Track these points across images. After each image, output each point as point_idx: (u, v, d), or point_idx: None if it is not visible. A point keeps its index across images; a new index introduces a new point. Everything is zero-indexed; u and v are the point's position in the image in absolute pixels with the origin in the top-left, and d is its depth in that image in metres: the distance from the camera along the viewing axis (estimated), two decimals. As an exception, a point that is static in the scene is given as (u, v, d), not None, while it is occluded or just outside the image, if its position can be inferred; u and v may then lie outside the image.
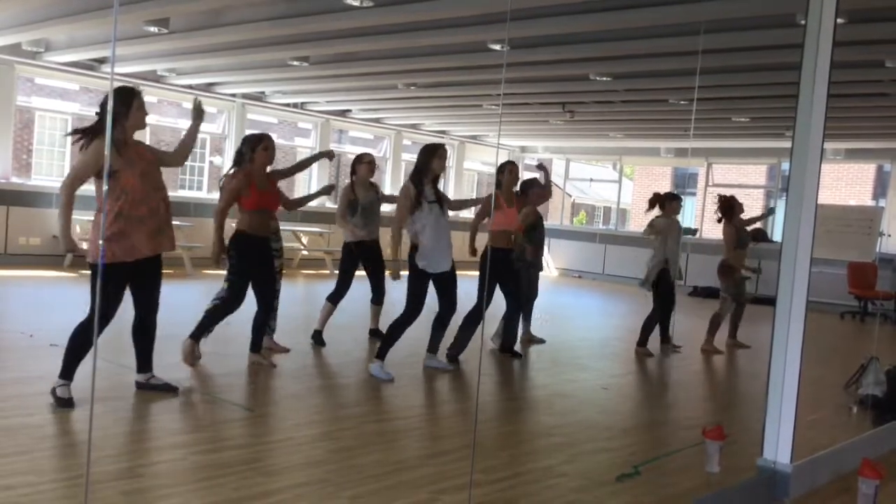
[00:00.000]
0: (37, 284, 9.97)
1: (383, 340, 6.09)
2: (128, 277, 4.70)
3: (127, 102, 4.65)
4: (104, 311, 4.53)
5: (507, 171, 6.98)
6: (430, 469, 4.04)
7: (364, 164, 7.16)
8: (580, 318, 9.02)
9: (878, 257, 10.88)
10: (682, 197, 8.53)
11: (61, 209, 4.68)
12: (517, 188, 7.41)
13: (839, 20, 4.11)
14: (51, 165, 18.44)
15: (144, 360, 5.04)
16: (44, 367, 5.51)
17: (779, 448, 4.13)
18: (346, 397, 5.58)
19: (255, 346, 6.12)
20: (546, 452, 4.59)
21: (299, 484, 3.67)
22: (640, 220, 26.94)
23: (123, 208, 4.65)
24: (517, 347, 7.47)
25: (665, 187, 26.27)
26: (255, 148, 5.78)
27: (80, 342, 4.62)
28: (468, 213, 13.25)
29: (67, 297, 9.15)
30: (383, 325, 7.39)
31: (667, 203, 8.27)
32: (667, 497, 3.91)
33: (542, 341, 8.12)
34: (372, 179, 7.29)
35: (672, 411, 6.02)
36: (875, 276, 12.56)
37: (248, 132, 14.56)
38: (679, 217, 8.35)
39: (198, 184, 20.20)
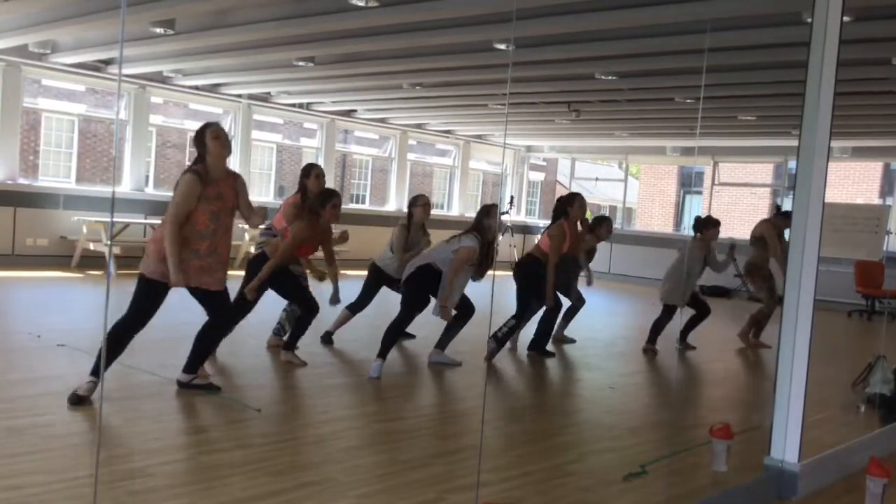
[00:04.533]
0: (44, 285, 10.00)
1: (384, 341, 6.16)
2: (164, 296, 4.85)
3: (201, 139, 4.85)
4: (139, 319, 4.78)
5: (576, 202, 7.29)
6: (438, 468, 4.05)
7: (420, 207, 7.24)
8: (586, 318, 8.99)
9: (885, 256, 10.84)
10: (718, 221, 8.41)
11: (169, 245, 4.75)
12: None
13: (846, 18, 4.09)
14: (58, 167, 18.50)
15: (195, 358, 5.14)
16: (52, 368, 5.54)
17: (786, 447, 4.12)
18: (353, 397, 5.59)
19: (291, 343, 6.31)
20: (553, 452, 4.59)
21: (307, 483, 3.68)
22: (645, 219, 26.92)
23: (185, 236, 4.78)
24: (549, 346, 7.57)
25: (671, 186, 26.29)
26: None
27: (114, 342, 4.73)
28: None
29: (75, 298, 9.19)
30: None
31: (703, 228, 8.21)
32: (674, 496, 3.90)
33: (572, 341, 8.21)
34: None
35: (679, 410, 6.01)
36: (882, 275, 12.54)
37: (254, 133, 14.66)
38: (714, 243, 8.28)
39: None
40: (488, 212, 6.40)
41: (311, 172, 6.56)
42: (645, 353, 8.01)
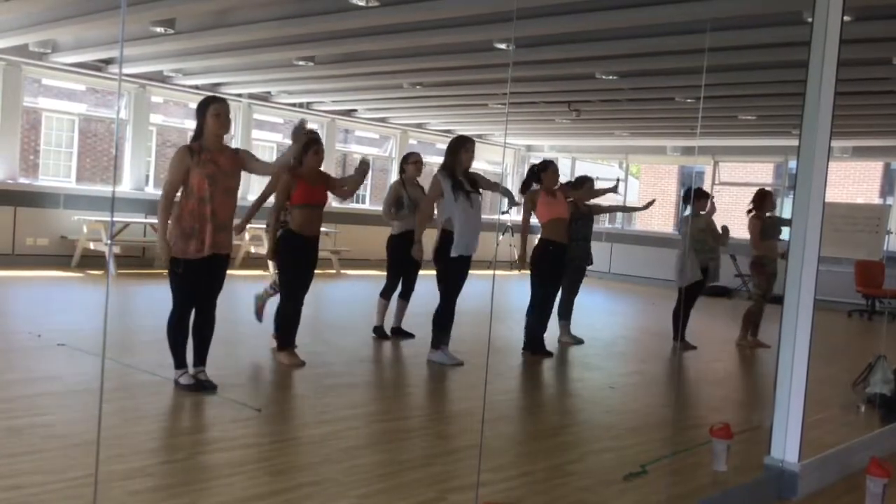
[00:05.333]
0: (44, 285, 10.00)
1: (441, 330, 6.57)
2: (197, 272, 4.98)
3: (202, 112, 5.00)
4: (181, 301, 5.02)
5: (550, 170, 7.39)
6: (438, 468, 4.05)
7: (411, 164, 7.59)
8: (586, 317, 9.01)
9: (885, 256, 10.84)
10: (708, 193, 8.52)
11: (159, 214, 5.04)
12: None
13: (846, 18, 4.09)
14: (58, 166, 18.49)
15: (198, 354, 5.24)
16: (51, 368, 5.54)
17: (786, 447, 4.12)
18: (353, 397, 5.58)
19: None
20: (553, 451, 4.58)
21: (307, 483, 3.68)
22: (646, 218, 26.87)
23: (192, 207, 4.93)
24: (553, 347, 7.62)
25: (671, 186, 26.26)
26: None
27: (174, 332, 5.10)
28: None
29: (75, 298, 9.18)
30: (406, 325, 7.47)
31: (694, 200, 8.41)
32: (674, 496, 3.90)
33: (580, 341, 8.14)
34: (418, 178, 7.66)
35: (679, 410, 6.01)
36: (883, 275, 12.53)
37: (255, 132, 14.66)
38: (704, 213, 8.39)
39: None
40: (454, 146, 6.53)
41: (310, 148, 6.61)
42: (685, 349, 8.06)
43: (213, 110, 4.97)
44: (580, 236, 7.87)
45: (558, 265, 7.34)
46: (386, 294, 7.50)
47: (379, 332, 7.49)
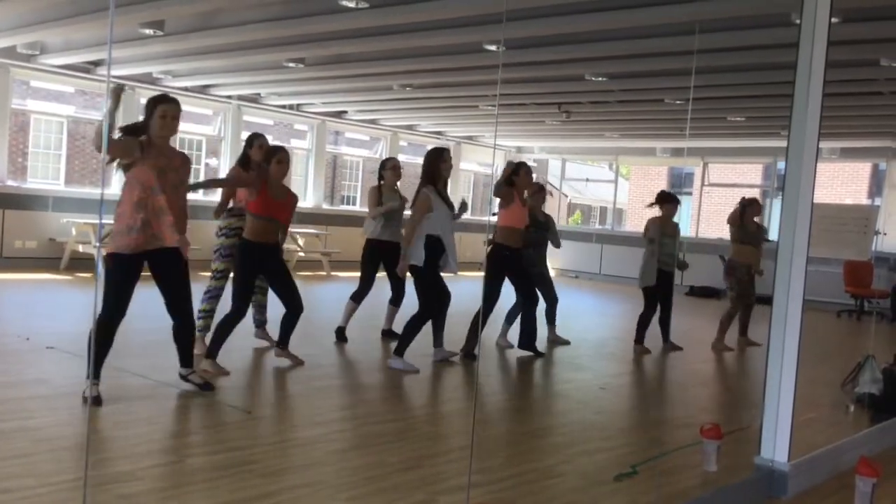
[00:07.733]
0: (33, 287, 9.95)
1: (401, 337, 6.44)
2: (134, 271, 4.70)
3: (150, 110, 4.77)
4: (113, 302, 4.63)
5: (522, 171, 7.16)
6: (428, 470, 4.04)
7: (389, 170, 7.47)
8: (577, 319, 9.03)
9: (873, 256, 10.89)
10: (679, 198, 8.59)
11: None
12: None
13: (833, 19, 4.12)
14: (46, 168, 18.40)
15: (182, 356, 5.11)
16: (40, 371, 5.51)
17: (776, 446, 4.13)
18: (343, 399, 5.58)
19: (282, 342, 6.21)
20: (544, 452, 4.59)
21: (297, 486, 3.67)
22: (636, 220, 26.96)
23: (139, 198, 4.65)
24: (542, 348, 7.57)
25: (661, 187, 26.31)
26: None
27: (98, 339, 4.64)
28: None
29: (64, 300, 9.14)
30: (398, 327, 7.47)
31: (662, 204, 8.37)
32: (664, 496, 3.91)
33: (566, 342, 8.13)
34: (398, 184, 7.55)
35: (670, 410, 6.03)
36: (871, 275, 12.60)
37: (244, 134, 14.61)
38: (675, 219, 8.43)
39: (194, 186, 20.11)
40: (432, 158, 6.38)
41: (255, 143, 6.42)
42: (636, 352, 8.02)
43: (160, 111, 4.71)
44: (533, 242, 7.72)
45: (515, 267, 7.16)
46: (356, 297, 7.34)
47: (340, 334, 7.32)
